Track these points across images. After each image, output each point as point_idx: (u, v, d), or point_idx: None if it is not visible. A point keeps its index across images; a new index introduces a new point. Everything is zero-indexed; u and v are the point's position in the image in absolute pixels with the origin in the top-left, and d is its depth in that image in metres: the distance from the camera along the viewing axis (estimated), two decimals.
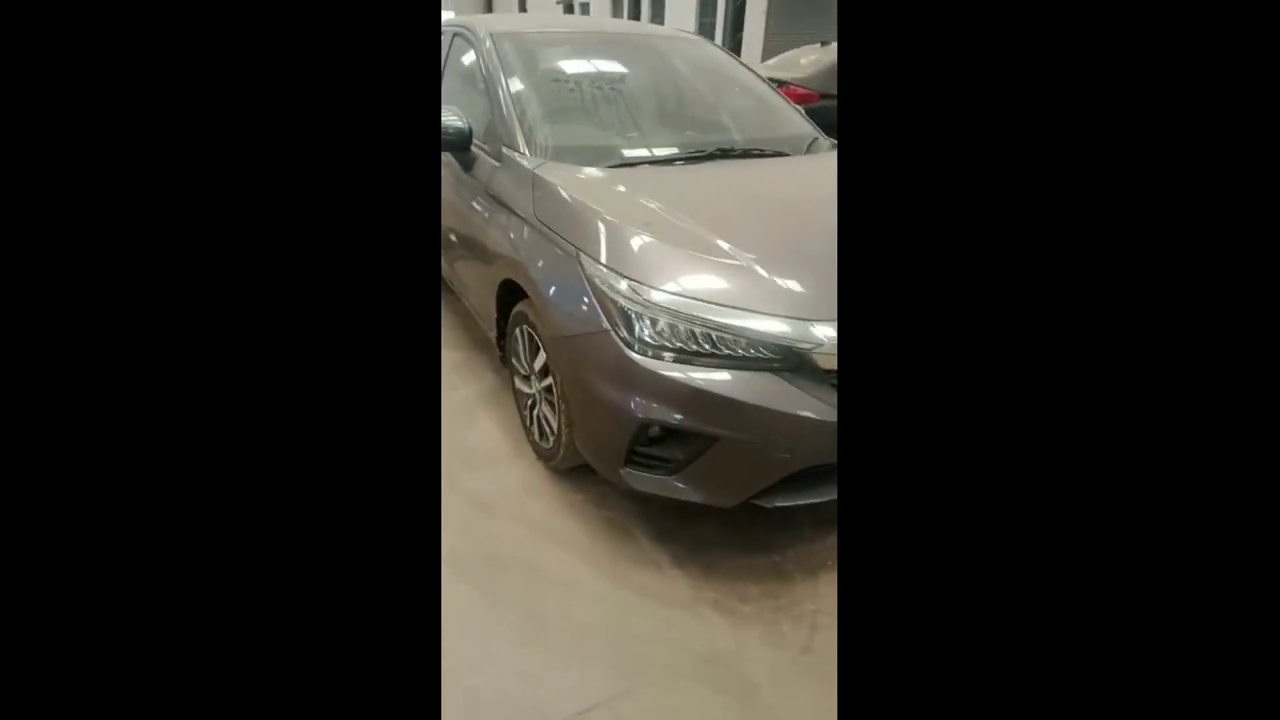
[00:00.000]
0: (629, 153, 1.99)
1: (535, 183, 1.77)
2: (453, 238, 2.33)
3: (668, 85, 2.31)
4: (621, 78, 2.21)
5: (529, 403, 1.94)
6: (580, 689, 1.33)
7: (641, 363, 1.40)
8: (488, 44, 2.17)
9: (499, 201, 1.89)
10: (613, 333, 1.44)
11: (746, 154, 2.06)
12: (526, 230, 1.74)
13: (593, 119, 2.07)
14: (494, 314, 2.02)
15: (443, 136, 2.02)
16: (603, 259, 1.50)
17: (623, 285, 1.44)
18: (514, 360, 1.97)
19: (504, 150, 1.92)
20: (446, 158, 2.25)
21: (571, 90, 2.11)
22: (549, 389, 1.76)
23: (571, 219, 1.63)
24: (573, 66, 2.20)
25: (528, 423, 1.97)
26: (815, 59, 4.97)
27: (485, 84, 2.10)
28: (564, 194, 1.69)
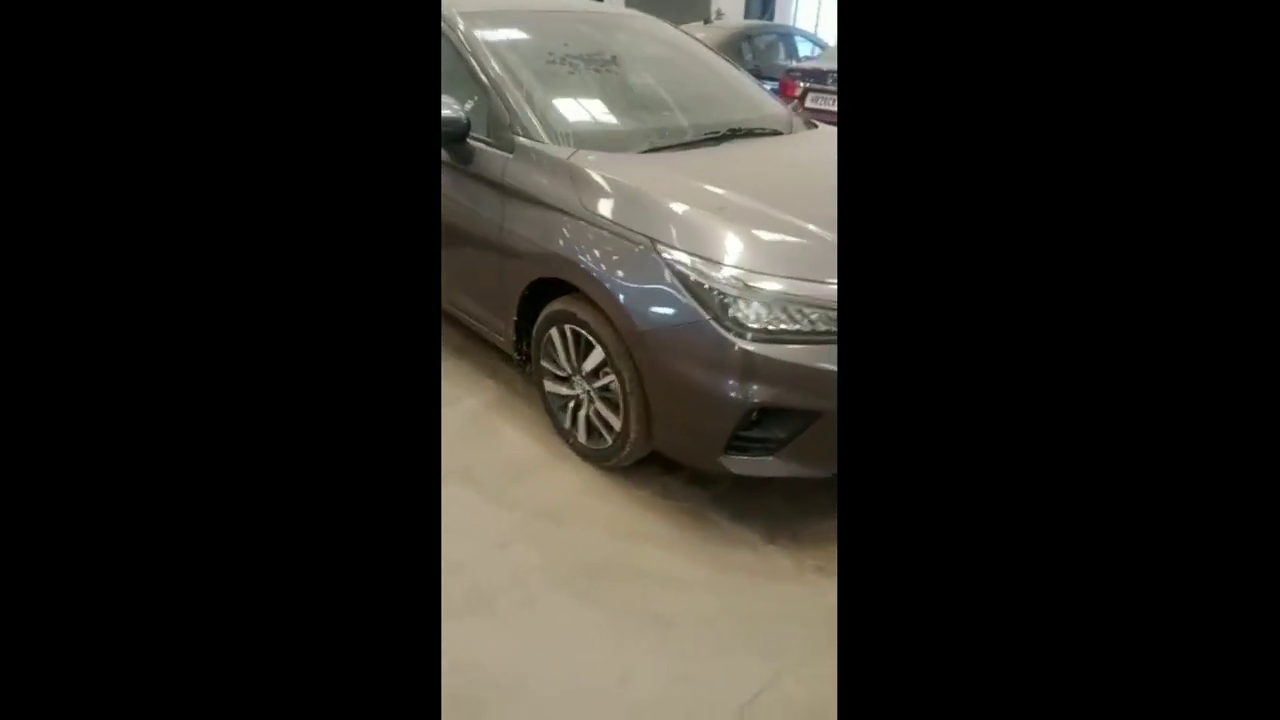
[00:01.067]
0: (657, 137, 1.93)
1: (575, 174, 1.68)
2: None
3: (654, 65, 2.26)
4: (613, 58, 2.13)
5: (569, 405, 1.86)
6: (737, 679, 1.33)
7: (750, 349, 1.40)
8: (461, 26, 2.00)
9: (520, 195, 1.77)
10: (711, 322, 1.42)
11: (751, 133, 2.09)
12: (570, 224, 1.65)
13: (602, 102, 1.99)
14: (512, 316, 1.90)
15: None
16: (688, 247, 1.47)
17: (722, 273, 1.42)
18: (544, 363, 1.88)
19: (518, 140, 1.79)
20: None
21: (571, 72, 2.01)
22: (604, 388, 1.71)
23: (638, 209, 1.57)
24: (560, 47, 2.09)
25: (566, 425, 1.89)
26: (704, 37, 5.08)
27: (472, 68, 1.93)
28: (622, 183, 1.63)
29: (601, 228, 1.60)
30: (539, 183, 1.73)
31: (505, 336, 2.01)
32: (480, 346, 2.44)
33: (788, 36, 7.10)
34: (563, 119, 1.85)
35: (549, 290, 1.80)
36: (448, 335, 2.54)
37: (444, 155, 1.98)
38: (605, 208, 1.62)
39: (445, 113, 1.82)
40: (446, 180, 2.02)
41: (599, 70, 2.06)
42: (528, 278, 1.79)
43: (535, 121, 1.80)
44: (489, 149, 1.87)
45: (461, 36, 1.99)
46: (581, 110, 1.94)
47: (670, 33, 2.52)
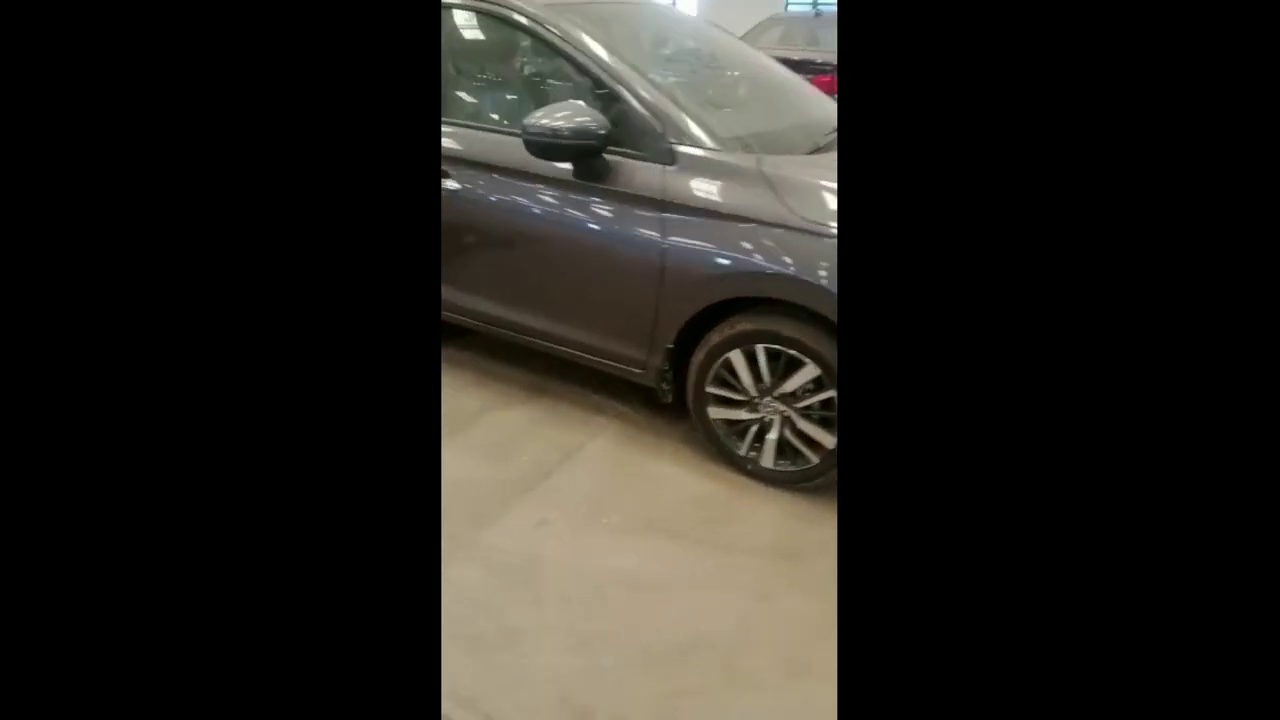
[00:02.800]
0: (805, 138, 1.78)
1: (774, 180, 1.51)
2: (524, 266, 1.87)
3: (731, 62, 2.10)
4: (711, 56, 1.94)
5: (747, 430, 1.73)
6: None
7: None
8: (561, 26, 1.71)
9: (690, 209, 1.56)
10: None
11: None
12: (775, 234, 1.49)
13: (742, 104, 1.81)
14: (667, 344, 1.71)
15: (557, 142, 1.57)
16: None
17: None
18: (711, 389, 1.71)
19: (681, 150, 1.58)
20: (491, 179, 1.77)
21: (693, 73, 1.79)
22: (807, 408, 1.60)
23: None
24: (664, 46, 1.86)
25: (742, 451, 1.75)
26: None
27: (593, 73, 1.66)
28: (831, 186, 1.49)
29: (820, 235, 1.47)
30: (722, 193, 1.54)
31: (646, 368, 1.80)
32: (565, 384, 2.20)
33: None
34: (724, 124, 1.66)
35: (717, 311, 1.64)
36: (529, 378, 2.25)
37: (538, 169, 1.71)
38: (821, 213, 1.49)
39: (584, 122, 1.56)
40: (550, 199, 1.76)
41: (711, 70, 1.88)
42: (703, 300, 1.61)
43: (697, 128, 1.59)
44: (636, 162, 1.64)
45: (563, 37, 1.71)
46: (733, 113, 1.75)
47: (702, 25, 2.37)
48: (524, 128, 1.59)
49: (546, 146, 1.59)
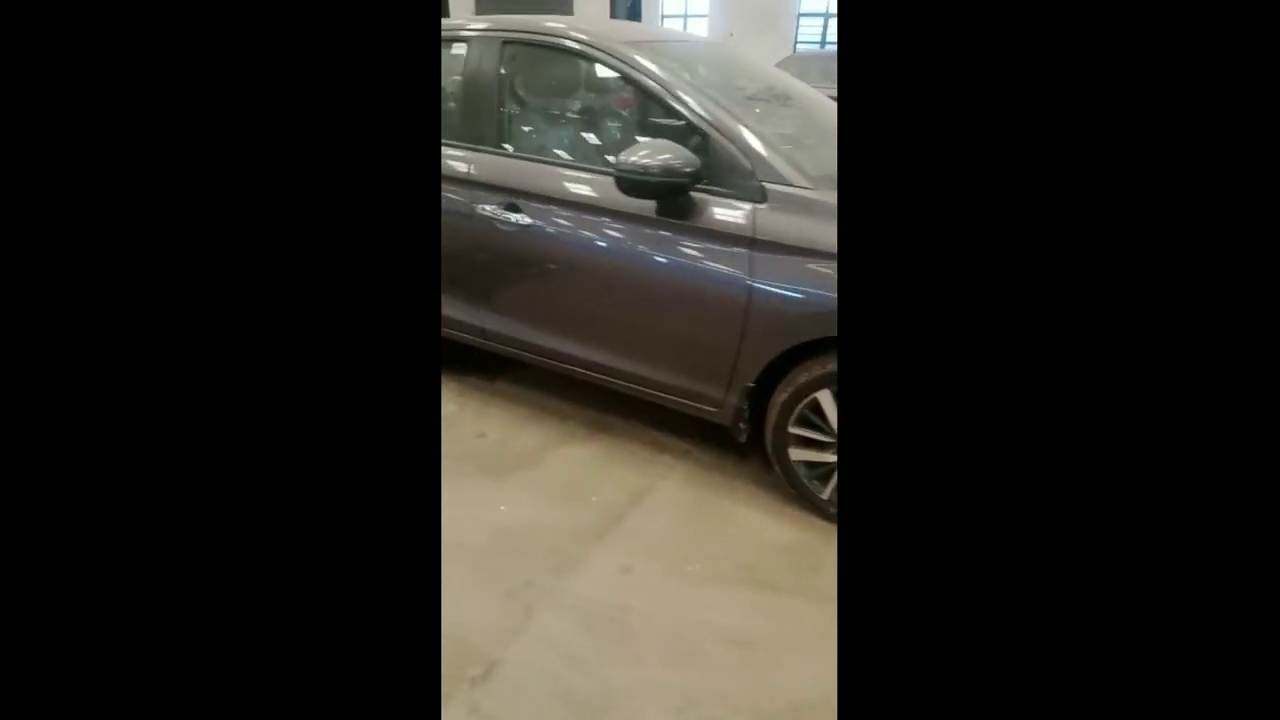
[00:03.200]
0: None
1: None
2: (596, 302, 1.83)
3: (804, 102, 2.09)
4: (785, 95, 1.93)
5: (832, 472, 1.68)
6: None
7: None
8: (645, 61, 1.71)
9: (782, 248, 1.53)
10: None
11: None
12: None
13: (813, 140, 1.79)
14: (748, 383, 1.67)
15: (647, 179, 1.55)
16: None
17: None
18: (795, 430, 1.66)
19: (771, 188, 1.55)
20: (564, 215, 1.74)
21: (771, 110, 1.78)
22: None
23: None
24: (738, 82, 1.86)
25: (826, 495, 1.70)
26: None
27: (676, 110, 1.65)
28: None
29: None
30: (816, 231, 1.51)
31: (723, 406, 1.75)
32: (625, 420, 2.16)
33: None
34: (813, 161, 1.64)
35: (801, 351, 1.60)
36: (587, 414, 2.21)
37: (617, 205, 1.69)
38: None
39: (671, 162, 1.53)
40: (628, 235, 1.73)
41: (788, 109, 1.87)
42: (792, 339, 1.56)
43: (788, 166, 1.57)
44: (723, 199, 1.61)
45: (649, 75, 1.70)
46: (818, 151, 1.74)
47: (768, 66, 2.38)
48: (616, 165, 1.58)
49: (637, 184, 1.57)
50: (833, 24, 9.44)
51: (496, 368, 2.44)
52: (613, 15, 9.60)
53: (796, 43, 9.58)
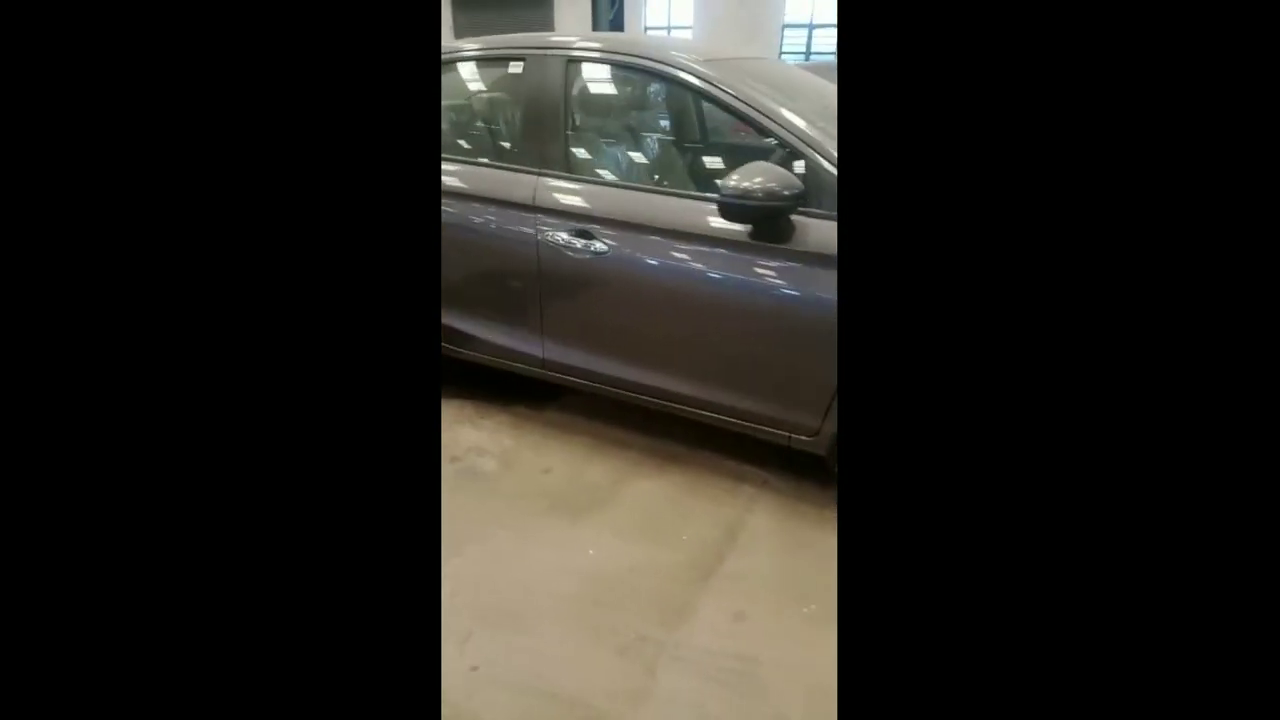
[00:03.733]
0: None
1: None
2: (677, 329, 1.75)
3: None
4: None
5: None
6: None
7: None
8: (736, 84, 1.65)
9: None
10: None
11: None
12: None
13: None
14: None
15: (747, 204, 1.48)
16: None
17: None
18: None
19: None
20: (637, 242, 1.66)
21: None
22: None
23: None
24: (825, 102, 1.80)
25: None
26: None
27: (772, 130, 1.58)
28: None
29: None
30: None
31: (819, 435, 1.68)
32: (693, 449, 2.08)
33: None
34: None
35: None
36: (650, 443, 2.12)
37: (704, 230, 1.62)
38: None
39: (771, 186, 1.47)
40: (717, 260, 1.65)
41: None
42: None
43: None
44: (824, 221, 1.54)
45: (738, 97, 1.64)
46: None
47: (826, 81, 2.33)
48: (719, 189, 1.50)
49: (738, 208, 1.50)
50: (817, 34, 9.53)
51: (543, 397, 2.34)
52: (595, 28, 9.56)
53: (781, 54, 9.66)
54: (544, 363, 2.03)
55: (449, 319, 2.13)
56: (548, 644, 1.42)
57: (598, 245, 1.78)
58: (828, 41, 9.50)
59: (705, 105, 1.79)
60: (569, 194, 1.84)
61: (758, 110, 1.63)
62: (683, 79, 1.74)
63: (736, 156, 1.77)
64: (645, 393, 1.90)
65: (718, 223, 1.61)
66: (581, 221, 1.81)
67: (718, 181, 1.52)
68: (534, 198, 1.86)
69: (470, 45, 2.11)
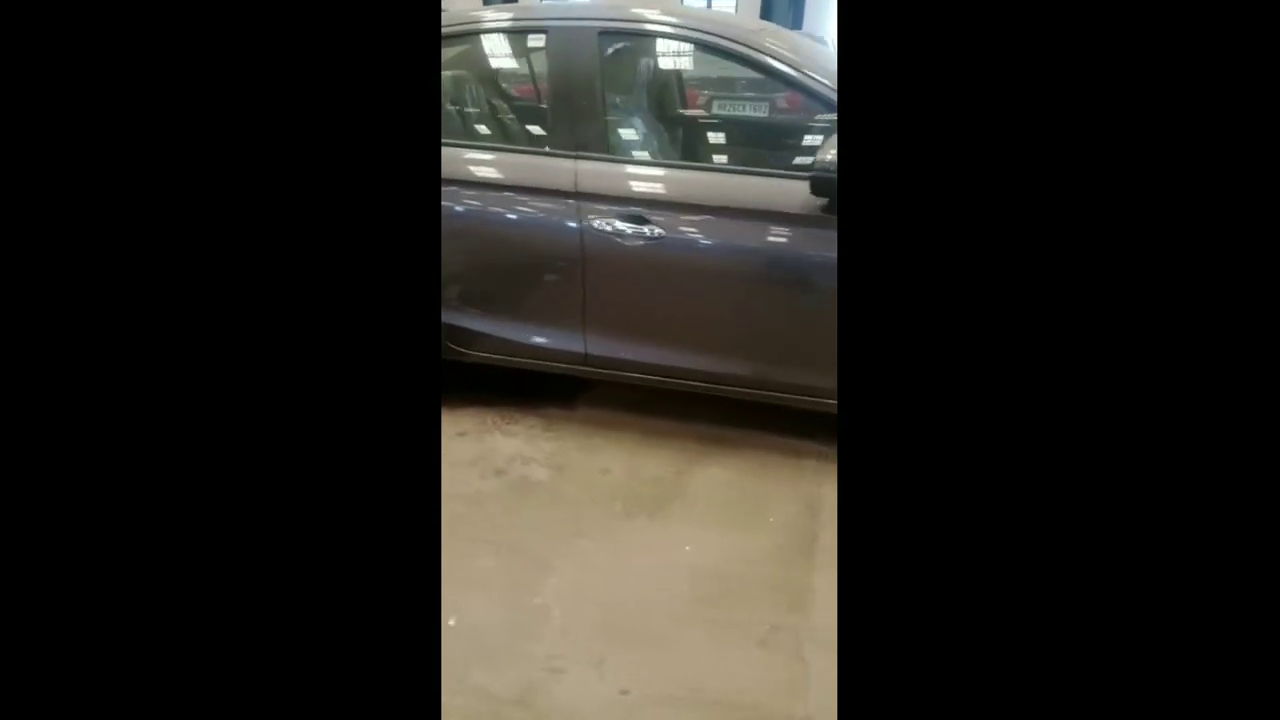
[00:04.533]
0: None
1: None
2: (745, 312, 1.71)
3: None
4: None
5: None
6: None
7: None
8: (783, 51, 1.60)
9: None
10: None
11: None
12: None
13: None
14: None
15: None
16: None
17: None
18: None
19: None
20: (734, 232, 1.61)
21: None
22: None
23: None
24: None
25: None
26: None
27: (830, 100, 1.55)
28: None
29: None
30: None
31: None
32: (741, 430, 2.05)
33: None
34: None
35: None
36: (697, 429, 2.07)
37: (774, 207, 1.59)
38: None
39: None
40: (790, 237, 1.62)
41: None
42: None
43: None
44: None
45: (791, 63, 1.60)
46: None
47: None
48: (814, 166, 1.46)
49: (830, 183, 1.47)
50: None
51: (570, 395, 2.24)
52: None
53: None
54: (586, 358, 1.93)
55: (460, 319, 1.97)
56: (685, 651, 1.36)
57: (653, 230, 1.69)
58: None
59: (759, 86, 1.73)
60: (614, 178, 1.73)
61: (814, 80, 1.59)
62: (755, 59, 1.66)
63: (786, 134, 1.73)
64: (702, 379, 1.85)
65: (788, 200, 1.57)
66: (631, 205, 1.71)
67: (808, 159, 1.49)
68: (576, 185, 1.74)
69: (492, 14, 1.92)
